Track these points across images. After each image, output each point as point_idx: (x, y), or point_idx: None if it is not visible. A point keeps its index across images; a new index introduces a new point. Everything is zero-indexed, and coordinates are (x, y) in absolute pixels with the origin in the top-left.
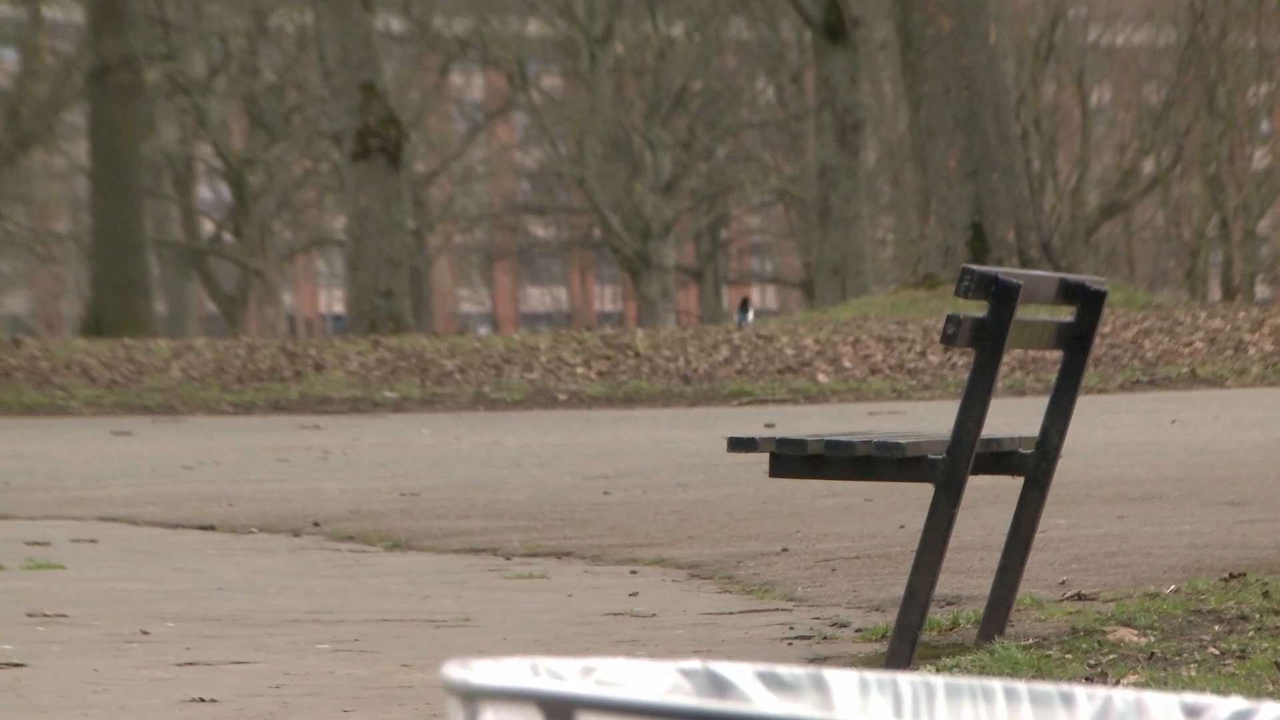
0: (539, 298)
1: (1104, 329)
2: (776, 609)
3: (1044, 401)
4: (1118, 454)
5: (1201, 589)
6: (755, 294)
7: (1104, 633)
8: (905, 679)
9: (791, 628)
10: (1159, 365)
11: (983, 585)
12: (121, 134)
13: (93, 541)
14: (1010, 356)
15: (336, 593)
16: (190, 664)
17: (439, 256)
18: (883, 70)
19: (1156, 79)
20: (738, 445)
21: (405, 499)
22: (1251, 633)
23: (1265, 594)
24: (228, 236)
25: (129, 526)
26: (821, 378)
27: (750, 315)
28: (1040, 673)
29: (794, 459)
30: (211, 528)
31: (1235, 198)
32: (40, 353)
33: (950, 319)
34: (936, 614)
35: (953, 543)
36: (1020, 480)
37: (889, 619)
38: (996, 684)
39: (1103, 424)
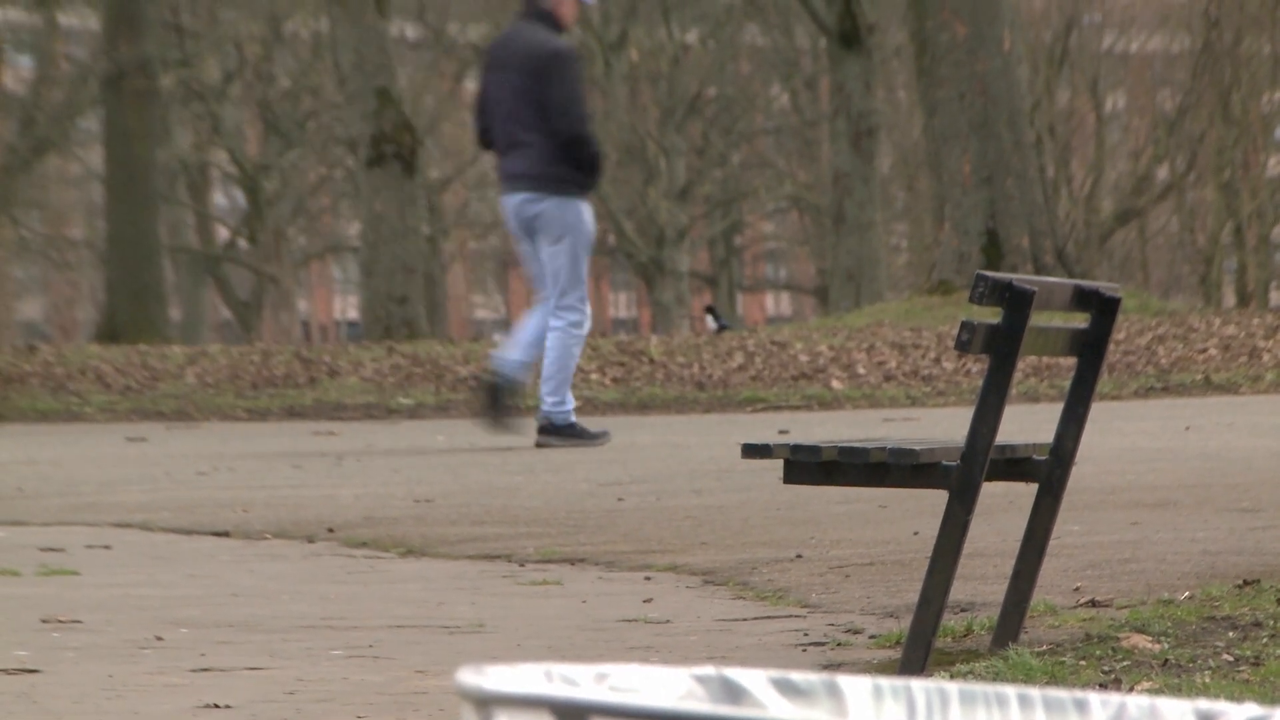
0: None
1: (1118, 335)
2: (790, 615)
3: (1058, 408)
4: (1132, 460)
5: (1216, 595)
6: (769, 300)
7: (1118, 639)
8: (919, 685)
9: (805, 634)
10: (1173, 372)
11: (997, 592)
12: (136, 140)
13: (107, 548)
14: (1024, 363)
15: (351, 599)
16: (204, 670)
17: (453, 263)
18: (897, 76)
19: (1171, 85)
20: (752, 452)
21: (419, 505)
22: (1266, 639)
23: (1279, 600)
24: (242, 242)
25: (143, 532)
26: (835, 384)
27: (723, 319)
28: (1054, 679)
29: (808, 465)
30: (226, 534)
31: (1250, 204)
32: (55, 359)
33: (964, 325)
34: (950, 620)
35: (967, 549)
36: (1034, 487)
37: (903, 625)
38: (1010, 690)
39: (1117, 430)
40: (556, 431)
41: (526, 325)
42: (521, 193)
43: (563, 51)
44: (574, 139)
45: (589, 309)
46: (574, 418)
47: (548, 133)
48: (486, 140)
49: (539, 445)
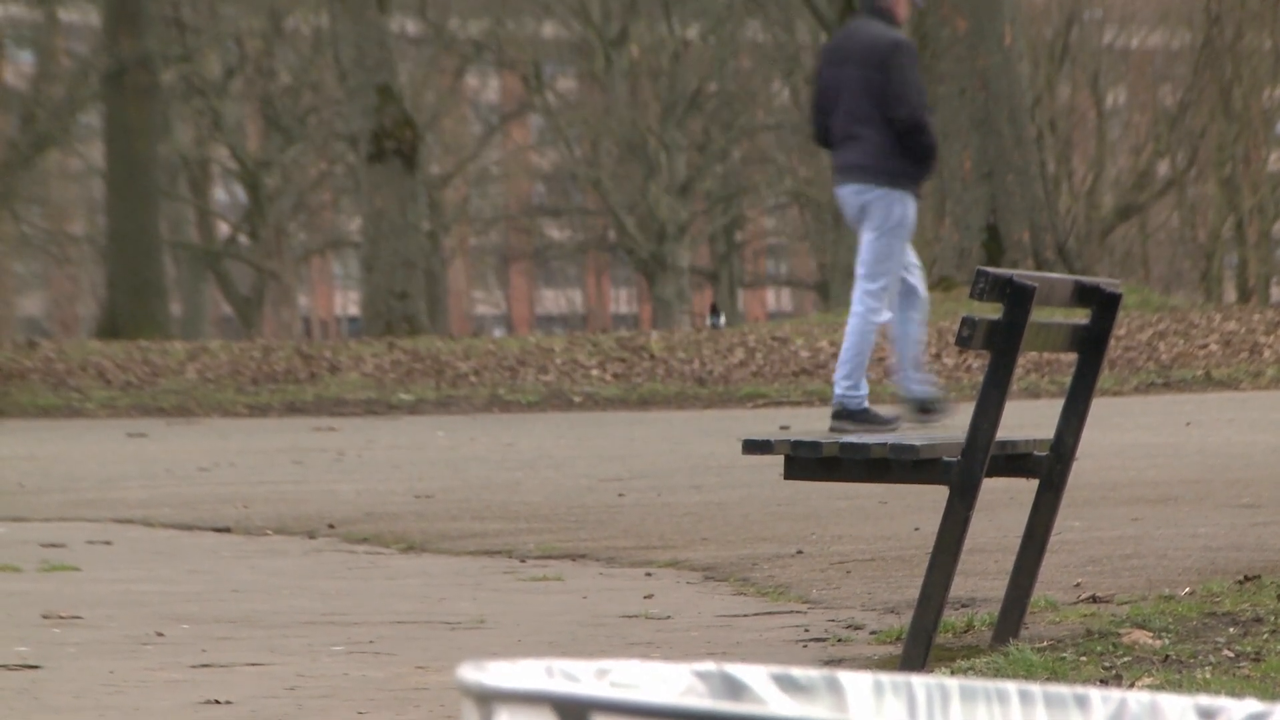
0: (554, 300)
1: (1119, 331)
2: (791, 611)
3: (1059, 404)
4: (1132, 456)
5: (1216, 591)
6: (770, 296)
7: (1119, 635)
8: (920, 681)
9: (806, 630)
10: (1174, 367)
11: (997, 587)
12: (137, 136)
13: (108, 543)
14: (1025, 359)
15: (351, 594)
16: (205, 666)
17: (454, 258)
18: None
19: (1172, 81)
20: (752, 447)
21: (420, 501)
22: (1266, 635)
23: (1279, 596)
24: (243, 238)
25: (144, 528)
26: None
27: (721, 318)
28: (1055, 675)
29: (809, 461)
30: (227, 530)
31: (1250, 200)
32: (55, 354)
33: (965, 321)
34: (951, 616)
35: (967, 545)
36: (1035, 482)
37: (904, 621)
38: (1011, 686)
39: (1117, 426)
40: (850, 417)
41: (894, 335)
42: (853, 184)
43: (902, 43)
44: (913, 126)
45: (890, 300)
46: (867, 403)
47: (884, 125)
48: (824, 137)
49: (832, 430)
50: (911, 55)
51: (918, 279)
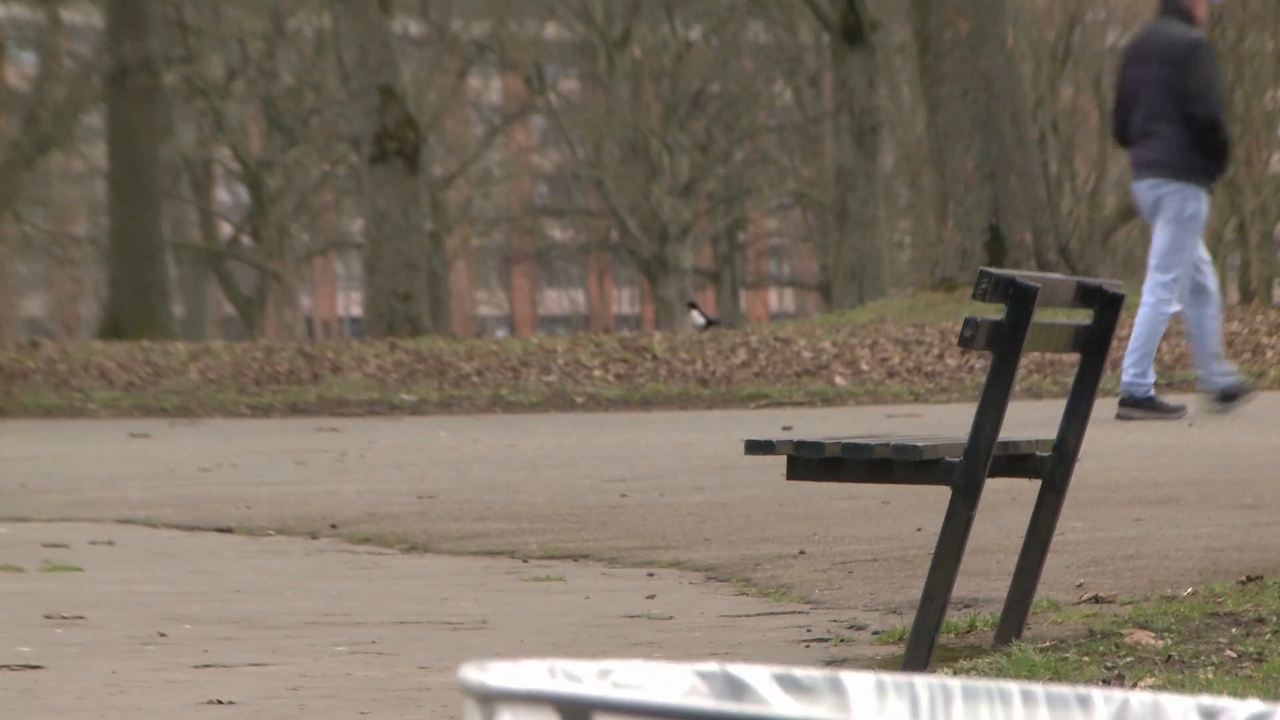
0: (556, 300)
1: (1121, 332)
2: (793, 611)
3: (1061, 404)
4: (1135, 456)
5: (1219, 592)
6: (772, 296)
7: (1121, 635)
8: (922, 681)
9: (808, 630)
10: (1176, 368)
11: (1000, 588)
12: (140, 137)
13: (110, 544)
14: (1028, 359)
15: (354, 595)
16: (207, 666)
17: (457, 259)
18: (900, 73)
19: None
20: (755, 448)
21: (422, 501)
22: (1269, 635)
23: None
24: (245, 239)
25: (146, 529)
26: (839, 380)
27: (705, 315)
28: (1057, 675)
29: (811, 461)
30: (229, 530)
31: (1253, 201)
32: (58, 355)
33: (968, 322)
34: (953, 616)
35: (970, 545)
36: (1037, 483)
37: (906, 621)
38: (1013, 686)
39: (1119, 426)
40: (1136, 404)
41: (1190, 331)
42: (1149, 179)
43: (1200, 43)
44: (1210, 124)
45: (1179, 292)
46: (1154, 391)
47: (1181, 122)
48: (1124, 134)
49: (1120, 418)
50: (1210, 55)
51: (1209, 275)
